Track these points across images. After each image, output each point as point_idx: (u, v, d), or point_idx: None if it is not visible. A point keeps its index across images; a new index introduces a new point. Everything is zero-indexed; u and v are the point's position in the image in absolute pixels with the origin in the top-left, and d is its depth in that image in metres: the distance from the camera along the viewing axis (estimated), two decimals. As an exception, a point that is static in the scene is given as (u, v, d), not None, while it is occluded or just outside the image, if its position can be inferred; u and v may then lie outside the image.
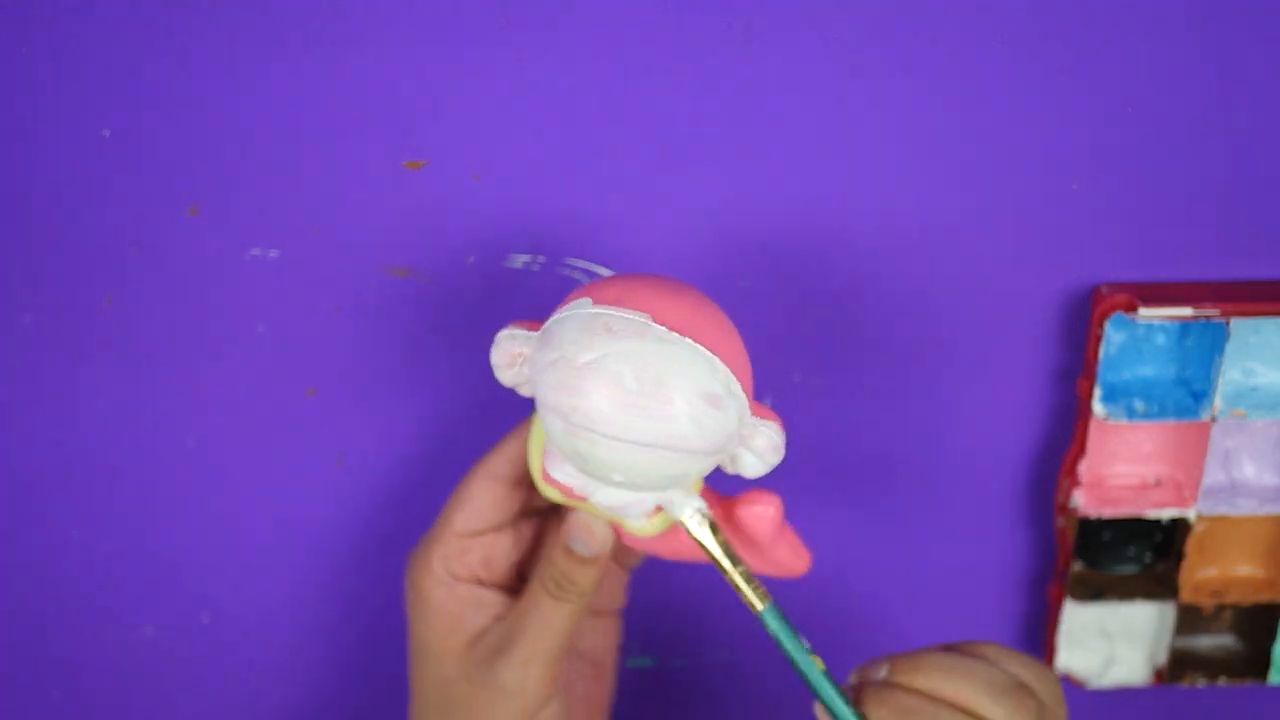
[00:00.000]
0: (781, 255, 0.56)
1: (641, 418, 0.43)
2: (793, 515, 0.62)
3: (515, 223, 0.55)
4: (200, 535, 0.61)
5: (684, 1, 0.52)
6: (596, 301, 0.44)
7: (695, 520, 0.48)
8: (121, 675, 0.63)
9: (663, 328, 0.44)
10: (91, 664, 0.63)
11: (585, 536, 0.49)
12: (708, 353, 0.44)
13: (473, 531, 0.51)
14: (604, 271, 0.56)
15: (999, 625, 0.65)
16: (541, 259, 0.56)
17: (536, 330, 0.46)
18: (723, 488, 0.50)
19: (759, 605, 0.48)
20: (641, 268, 0.56)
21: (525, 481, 0.51)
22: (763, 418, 0.46)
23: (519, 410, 0.58)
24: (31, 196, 0.54)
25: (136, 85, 0.52)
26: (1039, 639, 0.64)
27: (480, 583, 0.51)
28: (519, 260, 0.56)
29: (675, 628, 0.64)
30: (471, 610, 0.51)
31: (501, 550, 0.52)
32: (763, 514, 0.49)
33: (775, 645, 0.49)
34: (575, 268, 0.56)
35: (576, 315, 0.44)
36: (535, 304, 0.56)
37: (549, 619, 0.50)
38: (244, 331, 0.56)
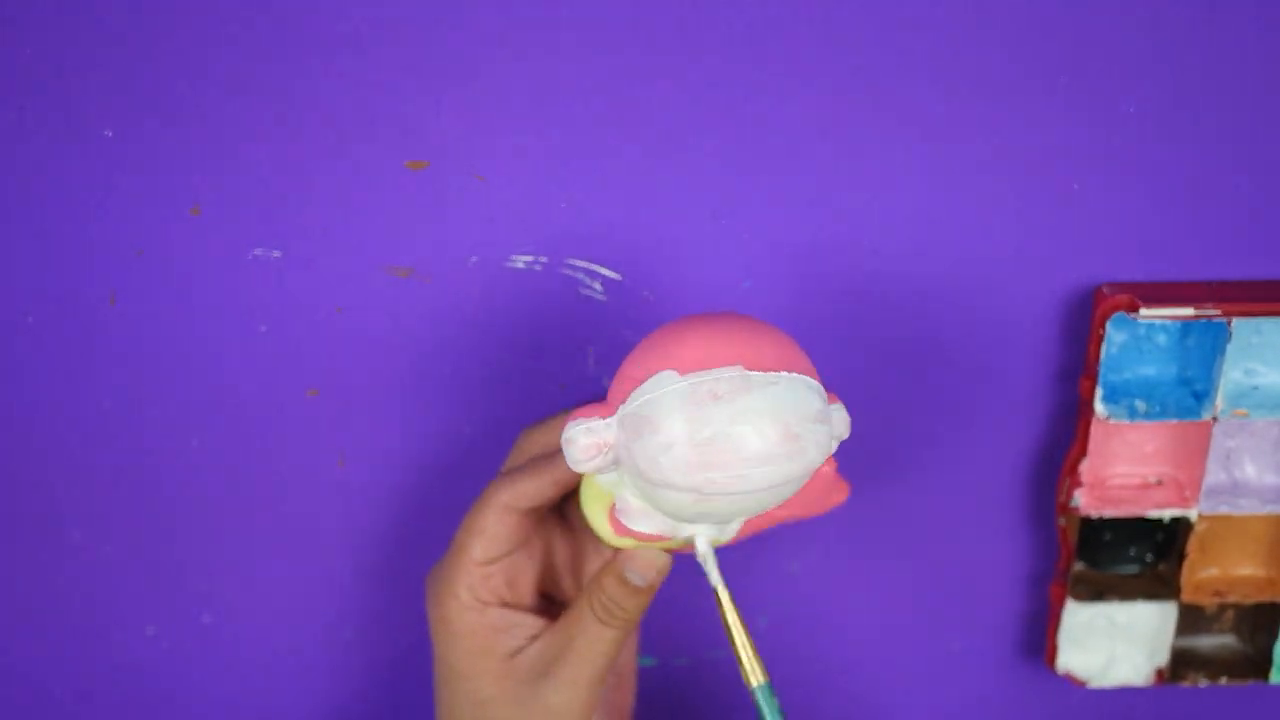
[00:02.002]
0: (781, 255, 0.56)
1: (780, 465, 0.44)
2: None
3: (517, 223, 0.55)
4: (201, 535, 0.61)
5: (684, 1, 0.52)
6: (683, 371, 0.44)
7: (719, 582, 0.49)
8: (122, 675, 0.63)
9: (759, 373, 0.44)
10: (92, 664, 0.63)
11: (644, 569, 0.50)
12: (801, 377, 0.45)
13: (492, 559, 0.52)
14: (607, 273, 0.56)
15: (999, 625, 0.65)
16: (544, 259, 0.56)
17: (609, 414, 0.45)
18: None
19: (756, 680, 0.49)
20: (642, 268, 0.56)
21: (538, 508, 0.52)
22: (835, 402, 0.47)
23: (519, 410, 0.59)
24: (33, 197, 0.54)
25: (138, 86, 0.52)
26: (1040, 639, 0.64)
27: (507, 604, 0.52)
28: (521, 261, 0.56)
29: (675, 628, 0.64)
30: (505, 632, 0.52)
31: (522, 570, 0.53)
32: (826, 471, 0.52)
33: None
34: (577, 268, 0.56)
35: (672, 392, 0.44)
36: (536, 304, 0.57)
37: (596, 643, 0.51)
38: (246, 332, 0.56)
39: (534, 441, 0.54)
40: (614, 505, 0.49)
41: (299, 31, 0.51)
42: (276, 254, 0.55)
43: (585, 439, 0.45)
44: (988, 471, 0.61)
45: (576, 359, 0.58)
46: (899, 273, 0.57)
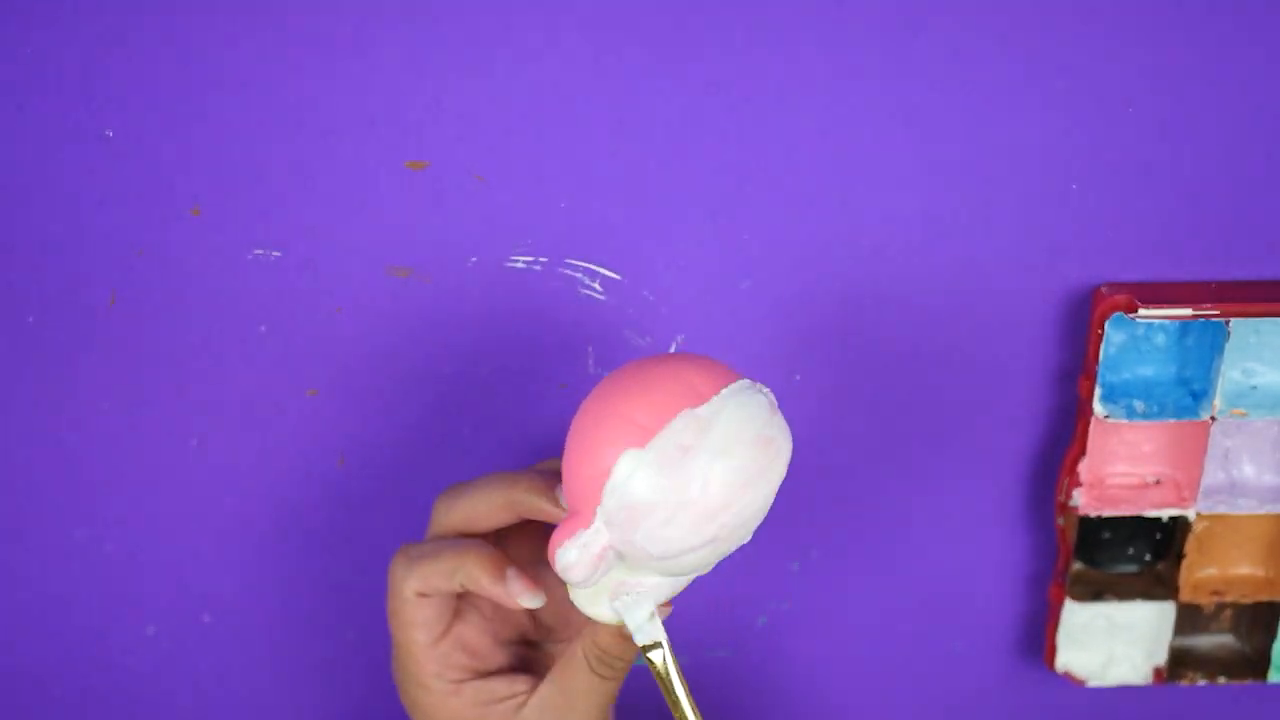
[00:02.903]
0: (781, 255, 0.56)
1: (771, 472, 0.44)
2: (792, 514, 0.62)
3: (517, 223, 0.55)
4: (202, 535, 0.61)
5: (684, 2, 0.52)
6: (641, 445, 0.43)
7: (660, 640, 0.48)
8: (122, 675, 0.63)
9: (703, 406, 0.43)
10: (93, 663, 0.63)
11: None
12: (735, 384, 0.44)
13: (437, 639, 0.51)
14: (607, 273, 0.56)
15: (999, 625, 0.65)
16: (543, 259, 0.56)
17: (588, 520, 0.44)
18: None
19: None
20: (642, 268, 0.56)
21: (452, 594, 0.51)
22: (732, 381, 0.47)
23: (519, 410, 0.59)
24: (34, 197, 0.54)
25: (139, 86, 0.52)
26: (1039, 639, 0.65)
27: (480, 674, 0.52)
28: (521, 261, 0.56)
29: (675, 628, 0.64)
30: (492, 705, 0.51)
31: (478, 636, 0.52)
32: None
33: None
34: (577, 268, 0.56)
35: (640, 470, 0.43)
36: (536, 304, 0.57)
37: (597, 695, 0.50)
38: (246, 332, 0.56)
39: (453, 512, 0.52)
40: (618, 587, 0.47)
41: (299, 32, 0.51)
42: (276, 254, 0.55)
43: (583, 555, 0.44)
44: (987, 471, 0.61)
45: (576, 359, 0.58)
46: (899, 273, 0.57)
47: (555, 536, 0.45)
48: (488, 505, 0.50)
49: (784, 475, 0.45)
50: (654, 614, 0.47)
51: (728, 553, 0.45)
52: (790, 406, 0.59)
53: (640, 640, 0.47)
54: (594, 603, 0.47)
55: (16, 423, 0.58)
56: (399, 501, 0.61)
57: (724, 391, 0.44)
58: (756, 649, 0.65)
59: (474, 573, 0.49)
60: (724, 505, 0.43)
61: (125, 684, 0.64)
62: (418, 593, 0.50)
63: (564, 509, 0.48)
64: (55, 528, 0.60)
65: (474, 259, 0.56)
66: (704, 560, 0.45)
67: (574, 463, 0.44)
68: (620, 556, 0.45)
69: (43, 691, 0.64)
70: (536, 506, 0.49)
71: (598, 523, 0.44)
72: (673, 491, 0.43)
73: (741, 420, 0.43)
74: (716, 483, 0.43)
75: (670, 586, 0.47)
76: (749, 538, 0.47)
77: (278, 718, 0.65)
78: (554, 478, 0.49)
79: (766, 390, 0.46)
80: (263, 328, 0.57)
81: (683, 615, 0.63)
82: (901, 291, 0.57)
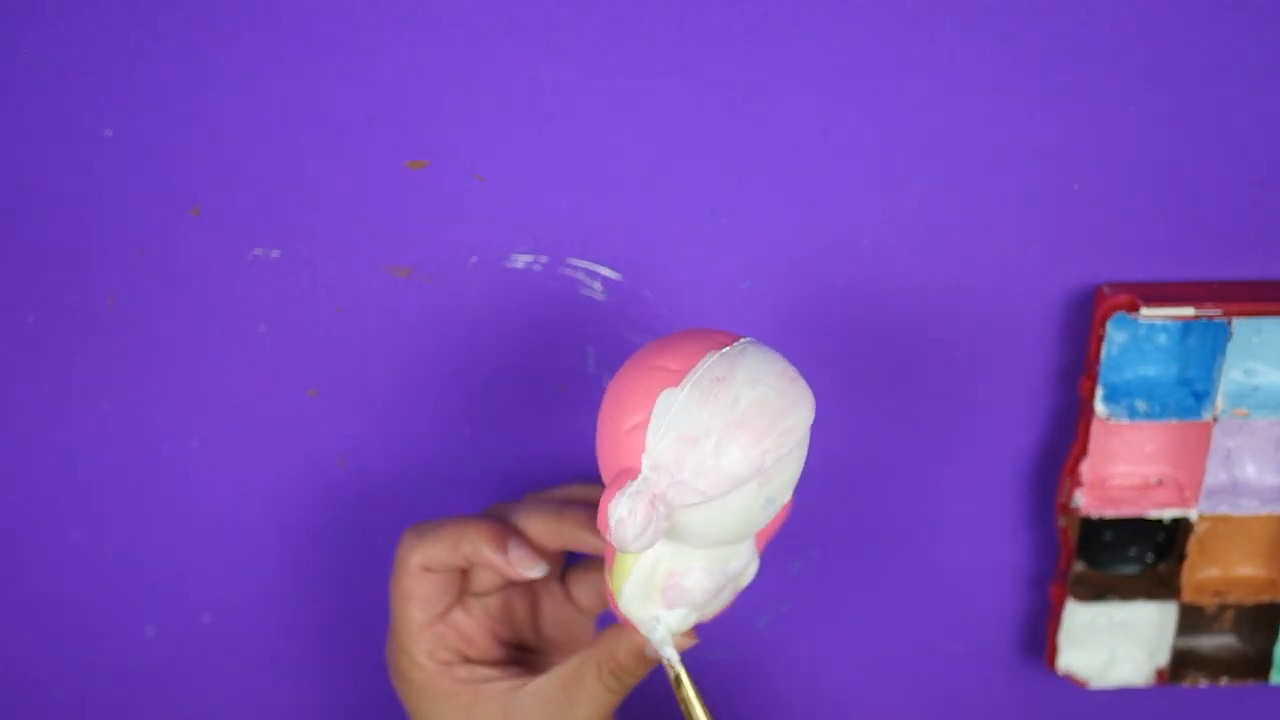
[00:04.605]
0: (782, 255, 0.56)
1: (803, 404, 0.45)
2: (793, 514, 0.62)
3: (517, 223, 0.55)
4: (202, 535, 0.61)
5: (684, 1, 0.52)
6: (677, 384, 0.44)
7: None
8: (122, 675, 0.63)
9: (728, 348, 0.44)
10: (93, 663, 0.63)
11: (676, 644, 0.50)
12: (746, 338, 0.45)
13: (437, 616, 0.52)
14: (607, 273, 0.56)
15: (1000, 625, 0.65)
16: (543, 259, 0.56)
17: (630, 477, 0.44)
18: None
19: None
20: (642, 268, 0.56)
21: (456, 568, 0.52)
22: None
23: (519, 410, 0.59)
24: (33, 198, 0.54)
25: (138, 86, 0.52)
26: (1040, 639, 0.64)
27: (471, 661, 0.53)
28: (521, 260, 0.56)
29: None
30: (483, 685, 0.52)
31: (473, 629, 0.53)
32: None
33: None
34: (577, 268, 0.56)
35: (680, 406, 0.43)
36: (536, 304, 0.57)
37: (601, 705, 0.51)
38: (246, 332, 0.56)
39: (415, 551, 0.53)
40: (668, 580, 0.48)
41: (299, 32, 0.51)
42: (276, 254, 0.55)
43: (635, 504, 0.43)
44: (988, 471, 0.61)
45: (576, 359, 0.58)
46: (899, 273, 0.57)
47: (604, 496, 0.44)
48: (439, 549, 0.51)
49: (810, 423, 0.45)
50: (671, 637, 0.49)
51: (770, 515, 0.46)
52: (791, 406, 0.59)
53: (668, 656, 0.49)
54: (646, 603, 0.48)
55: (16, 422, 0.58)
56: (399, 501, 0.61)
57: (742, 340, 0.45)
58: (758, 649, 0.65)
59: (476, 542, 0.50)
60: (767, 426, 0.43)
61: (125, 684, 0.64)
62: (422, 566, 0.51)
63: (506, 562, 0.51)
64: (55, 528, 0.60)
65: (474, 259, 0.56)
66: (747, 507, 0.44)
67: (612, 424, 0.44)
68: (669, 517, 0.44)
69: (43, 691, 0.64)
70: (483, 555, 0.51)
71: (645, 470, 0.44)
72: (716, 415, 0.43)
73: (765, 359, 0.44)
74: (755, 404, 0.43)
75: (714, 583, 0.48)
76: (788, 495, 0.47)
77: (278, 718, 0.65)
78: (507, 527, 0.52)
79: None
80: (263, 327, 0.57)
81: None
82: (902, 291, 0.57)
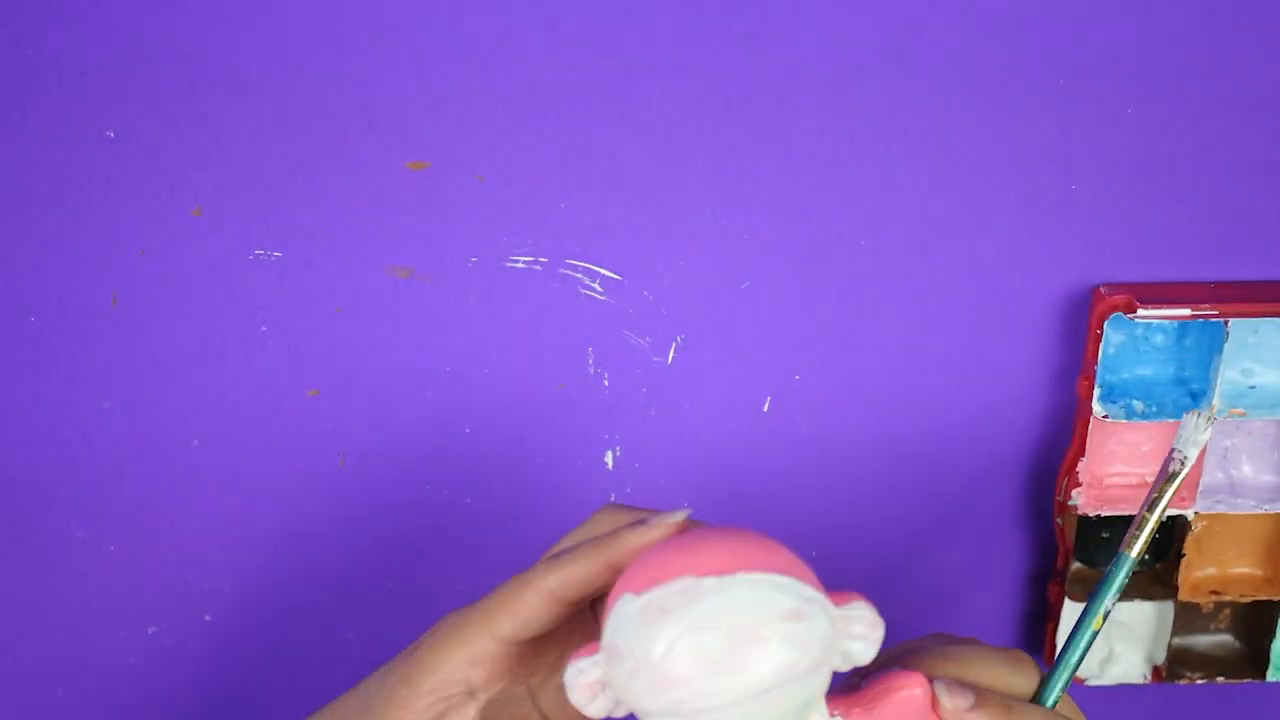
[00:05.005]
0: (780, 255, 0.56)
1: (744, 670, 0.41)
2: (793, 514, 0.62)
3: (517, 223, 0.55)
4: (203, 535, 0.61)
5: (684, 2, 0.52)
6: (637, 591, 0.42)
7: None
8: (124, 674, 0.63)
9: (711, 578, 0.41)
10: (94, 663, 0.63)
11: None
12: (765, 575, 0.42)
13: (515, 640, 0.47)
14: (606, 273, 0.56)
15: (999, 624, 0.65)
16: (543, 260, 0.56)
17: (597, 651, 0.43)
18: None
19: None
20: (642, 268, 0.56)
21: (578, 601, 0.47)
22: (846, 602, 0.44)
23: (520, 410, 0.59)
24: (35, 198, 0.54)
25: (140, 87, 0.52)
26: (1039, 638, 0.65)
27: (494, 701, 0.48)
28: (521, 261, 0.56)
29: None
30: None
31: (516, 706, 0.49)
32: (909, 697, 0.47)
33: None
34: (577, 268, 0.56)
35: (627, 615, 0.42)
36: (536, 304, 0.57)
37: None
38: (247, 332, 0.57)
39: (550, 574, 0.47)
40: None
41: (300, 33, 0.51)
42: (277, 254, 0.55)
43: (579, 680, 0.43)
44: (986, 471, 0.61)
45: (576, 359, 0.58)
46: (896, 272, 0.57)
47: (575, 653, 0.44)
48: (586, 568, 0.47)
49: (777, 687, 0.42)
50: None
51: None
52: (788, 406, 0.59)
53: None
54: None
55: (18, 422, 0.58)
56: (399, 501, 0.61)
57: (744, 574, 0.42)
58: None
59: (620, 545, 0.46)
60: (682, 681, 0.41)
61: (126, 684, 0.64)
62: (552, 591, 0.46)
63: (658, 527, 0.47)
64: (56, 527, 0.60)
65: (474, 259, 0.56)
66: None
67: (614, 586, 0.44)
68: (619, 703, 0.43)
69: (43, 691, 0.64)
70: (631, 543, 0.46)
71: (600, 654, 0.43)
72: (640, 645, 0.41)
73: (737, 606, 0.41)
74: (685, 651, 0.41)
75: None
76: None
77: (278, 717, 0.65)
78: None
79: (859, 607, 0.44)
80: (264, 327, 0.57)
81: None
82: (900, 291, 0.57)
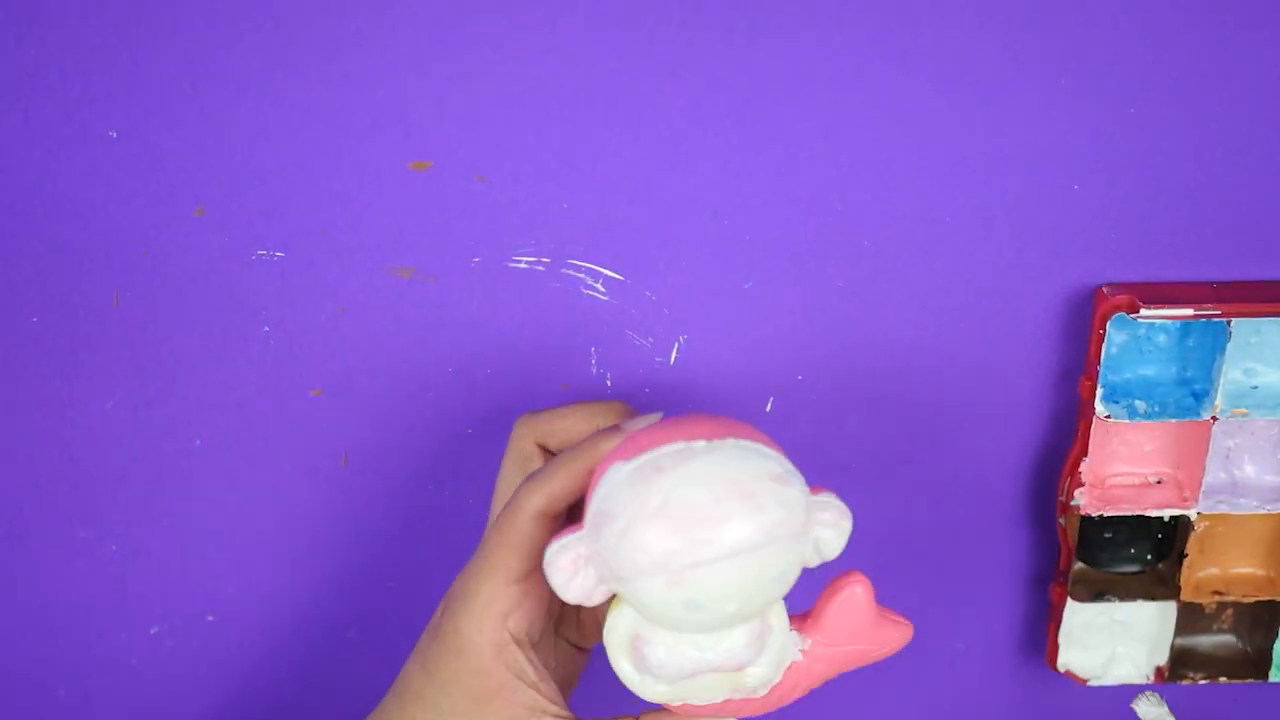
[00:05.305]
0: (783, 255, 0.56)
1: (737, 522, 0.42)
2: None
3: (519, 224, 0.55)
4: (206, 535, 0.61)
5: (684, 2, 0.52)
6: (628, 458, 0.43)
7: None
8: (126, 674, 0.63)
9: (702, 441, 0.43)
10: (95, 663, 0.63)
11: None
12: (752, 443, 0.44)
13: (527, 574, 0.48)
14: (609, 273, 0.56)
15: (1000, 625, 0.65)
16: (546, 260, 0.56)
17: (580, 528, 0.44)
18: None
19: None
20: (644, 268, 0.56)
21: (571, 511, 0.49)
22: (818, 492, 0.46)
23: (522, 410, 0.59)
24: (38, 198, 0.54)
25: (142, 87, 0.52)
26: (1040, 638, 0.65)
27: (530, 649, 0.49)
28: (523, 261, 0.56)
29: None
30: (510, 686, 0.49)
31: (546, 645, 0.50)
32: (852, 595, 0.49)
33: None
34: (579, 268, 0.56)
35: (618, 480, 0.43)
36: (538, 304, 0.57)
37: None
38: (250, 332, 0.57)
39: (536, 429, 0.52)
40: (635, 641, 0.46)
41: (302, 33, 0.51)
42: (280, 254, 0.55)
43: (560, 557, 0.44)
44: (988, 471, 0.61)
45: (579, 359, 0.58)
46: (899, 273, 0.57)
47: (558, 532, 0.45)
48: (573, 420, 0.50)
49: (763, 546, 0.43)
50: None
51: (703, 620, 0.44)
52: (791, 406, 0.59)
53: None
54: (619, 652, 0.47)
55: (20, 422, 0.58)
56: (403, 501, 0.61)
57: (733, 439, 0.43)
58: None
59: (593, 452, 0.47)
60: (675, 530, 0.42)
61: (127, 684, 0.64)
62: (540, 511, 0.47)
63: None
64: (58, 527, 0.60)
65: (476, 259, 0.56)
66: (664, 604, 0.43)
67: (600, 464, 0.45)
68: (604, 581, 0.44)
69: (44, 691, 0.64)
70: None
71: (585, 529, 0.44)
72: (632, 502, 0.42)
73: (728, 464, 0.43)
74: (679, 503, 0.42)
75: (680, 665, 0.46)
76: (730, 616, 0.44)
77: (281, 717, 0.65)
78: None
79: (828, 499, 0.45)
80: (266, 328, 0.57)
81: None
82: (902, 291, 0.57)
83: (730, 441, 0.43)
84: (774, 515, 0.43)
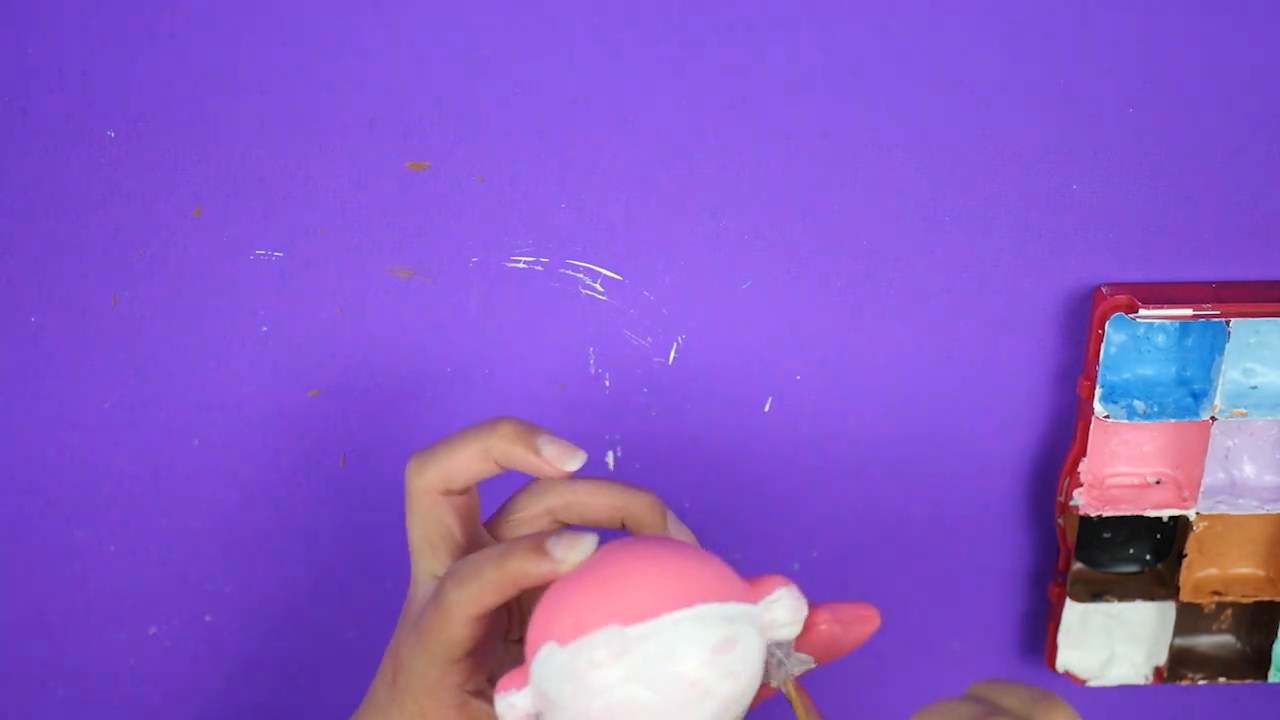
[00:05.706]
0: (781, 255, 0.56)
1: (684, 711, 0.41)
2: (793, 514, 0.62)
3: (518, 223, 0.55)
4: (204, 535, 0.61)
5: (684, 1, 0.52)
6: (562, 643, 0.41)
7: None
8: (124, 674, 0.63)
9: (635, 625, 0.40)
10: (95, 663, 0.63)
11: None
12: (689, 610, 0.41)
13: (470, 652, 0.45)
14: (607, 273, 0.56)
15: (999, 625, 0.65)
16: (544, 260, 0.56)
17: (522, 683, 0.42)
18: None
19: None
20: (643, 268, 0.56)
21: (480, 479, 0.47)
22: (767, 591, 0.44)
23: (522, 410, 0.59)
24: (37, 198, 0.54)
25: (141, 87, 0.52)
26: (1039, 638, 0.65)
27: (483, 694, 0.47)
28: (522, 261, 0.56)
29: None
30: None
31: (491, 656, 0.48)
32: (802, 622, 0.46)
33: None
34: (578, 268, 0.56)
35: (555, 666, 0.41)
36: (537, 304, 0.57)
37: None
38: (248, 332, 0.57)
39: (434, 476, 0.47)
40: None
41: (301, 33, 0.51)
42: (278, 254, 0.55)
43: (511, 715, 0.42)
44: (987, 471, 0.61)
45: (578, 359, 0.58)
46: (898, 272, 0.57)
47: (502, 680, 0.43)
48: (464, 456, 0.46)
49: (720, 714, 0.41)
50: None
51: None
52: (790, 406, 0.59)
53: None
54: None
55: (18, 422, 0.58)
56: (401, 501, 0.61)
57: (668, 617, 0.41)
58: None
59: (502, 445, 0.45)
60: None
61: (127, 683, 0.64)
62: (474, 617, 0.44)
63: (544, 460, 0.45)
64: (57, 527, 0.60)
65: (475, 259, 0.56)
66: None
67: (535, 618, 0.43)
68: None
69: (44, 691, 0.64)
70: (515, 455, 0.45)
71: (529, 689, 0.42)
72: (572, 699, 0.41)
73: (668, 655, 0.40)
74: (619, 710, 0.40)
75: None
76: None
77: (279, 717, 0.65)
78: (529, 424, 0.46)
79: (783, 594, 0.43)
80: (265, 328, 0.57)
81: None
82: (901, 291, 0.57)
83: (666, 619, 0.41)
84: (724, 693, 0.41)
